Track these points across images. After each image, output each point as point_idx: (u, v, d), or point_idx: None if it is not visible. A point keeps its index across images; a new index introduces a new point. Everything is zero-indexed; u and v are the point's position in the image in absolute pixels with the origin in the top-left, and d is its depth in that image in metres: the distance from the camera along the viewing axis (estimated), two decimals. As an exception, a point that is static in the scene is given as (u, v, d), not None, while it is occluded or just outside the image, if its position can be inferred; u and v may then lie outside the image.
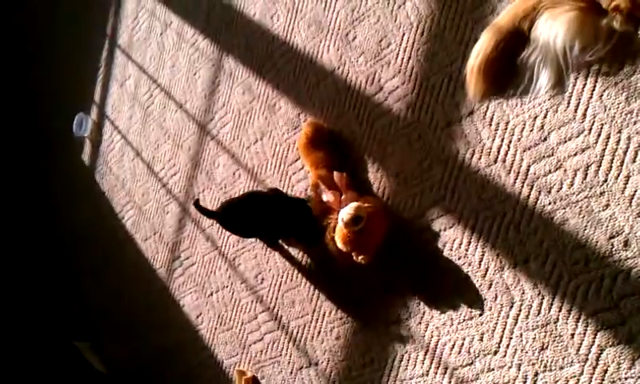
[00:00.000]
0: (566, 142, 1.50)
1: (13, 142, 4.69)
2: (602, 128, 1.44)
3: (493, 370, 1.64)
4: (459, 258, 1.72)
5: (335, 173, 1.94)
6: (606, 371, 1.42)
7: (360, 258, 1.79)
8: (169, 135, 3.01)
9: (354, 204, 1.78)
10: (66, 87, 4.13)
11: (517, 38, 1.55)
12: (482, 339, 1.67)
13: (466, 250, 1.70)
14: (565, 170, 1.50)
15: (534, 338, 1.55)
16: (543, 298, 1.54)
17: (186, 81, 2.91)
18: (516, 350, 1.59)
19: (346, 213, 1.75)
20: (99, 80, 3.76)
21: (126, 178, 3.38)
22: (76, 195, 3.94)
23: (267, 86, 2.42)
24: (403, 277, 1.87)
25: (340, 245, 1.80)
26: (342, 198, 1.86)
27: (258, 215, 2.07)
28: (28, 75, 4.70)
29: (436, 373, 1.77)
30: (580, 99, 1.48)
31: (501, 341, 1.62)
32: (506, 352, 1.61)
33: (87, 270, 3.77)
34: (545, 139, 1.54)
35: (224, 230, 2.60)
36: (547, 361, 1.53)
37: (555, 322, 1.51)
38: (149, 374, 3.15)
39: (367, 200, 1.84)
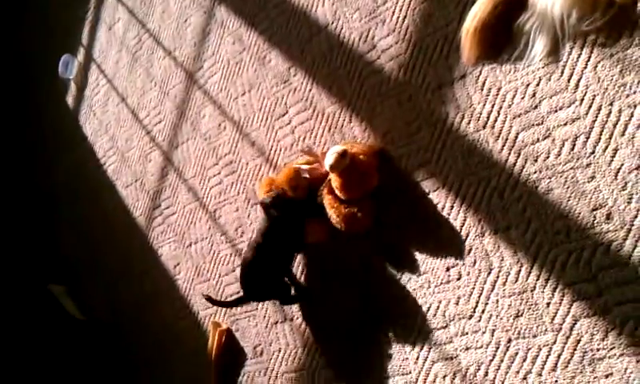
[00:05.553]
0: (556, 111, 1.49)
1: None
2: (593, 99, 1.43)
3: (467, 333, 1.65)
4: (441, 222, 1.72)
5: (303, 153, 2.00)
6: (579, 341, 1.43)
7: (370, 187, 1.81)
8: (155, 82, 2.96)
9: (332, 149, 1.78)
10: (55, 27, 4.03)
11: (514, 3, 1.52)
12: (457, 303, 1.67)
13: (448, 214, 1.69)
14: (553, 140, 1.49)
15: (510, 305, 1.56)
16: (522, 266, 1.54)
17: (176, 27, 2.85)
18: (491, 315, 1.60)
19: (330, 159, 1.75)
20: (88, 22, 3.68)
21: (109, 124, 3.33)
22: (58, 139, 3.87)
23: (259, 37, 2.37)
24: (381, 238, 1.87)
25: (344, 196, 1.78)
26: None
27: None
28: (17, 15, 4.58)
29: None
30: (574, 69, 1.46)
31: (476, 306, 1.63)
32: (480, 317, 1.62)
33: (66, 215, 3.73)
34: (535, 107, 1.53)
35: (206, 182, 2.58)
36: (521, 328, 1.54)
37: (532, 291, 1.52)
38: (124, 321, 3.15)
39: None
